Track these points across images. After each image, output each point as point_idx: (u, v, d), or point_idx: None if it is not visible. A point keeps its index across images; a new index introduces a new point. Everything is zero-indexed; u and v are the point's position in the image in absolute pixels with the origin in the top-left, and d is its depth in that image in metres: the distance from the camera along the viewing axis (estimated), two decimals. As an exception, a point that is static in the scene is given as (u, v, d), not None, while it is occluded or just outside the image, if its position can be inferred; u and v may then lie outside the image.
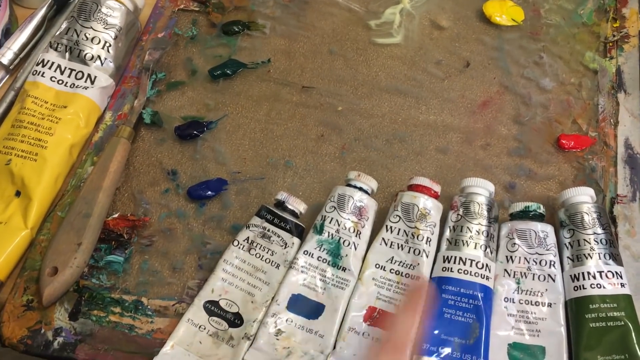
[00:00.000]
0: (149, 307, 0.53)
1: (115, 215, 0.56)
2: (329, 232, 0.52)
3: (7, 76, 0.64)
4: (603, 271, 0.49)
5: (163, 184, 0.59)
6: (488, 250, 0.51)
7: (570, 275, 0.50)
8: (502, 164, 0.60)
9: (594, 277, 0.49)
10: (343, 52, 0.66)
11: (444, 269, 0.51)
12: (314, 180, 0.59)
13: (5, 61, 0.63)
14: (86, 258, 0.53)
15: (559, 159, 0.59)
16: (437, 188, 0.54)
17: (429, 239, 0.52)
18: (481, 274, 0.50)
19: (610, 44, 0.65)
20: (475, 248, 0.51)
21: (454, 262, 0.51)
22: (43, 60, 0.60)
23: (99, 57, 0.61)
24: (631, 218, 0.56)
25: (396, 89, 0.64)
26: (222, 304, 0.51)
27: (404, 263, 0.52)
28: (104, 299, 0.53)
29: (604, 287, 0.49)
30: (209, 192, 0.58)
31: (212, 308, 0.51)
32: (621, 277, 0.49)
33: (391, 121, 0.62)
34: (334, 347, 0.49)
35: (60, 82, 0.60)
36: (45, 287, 0.50)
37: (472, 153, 0.60)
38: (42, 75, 0.59)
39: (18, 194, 0.55)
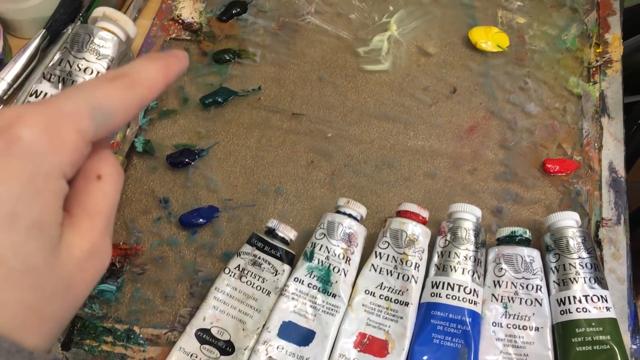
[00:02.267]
0: (141, 335, 0.53)
1: (108, 244, 0.57)
2: (319, 259, 0.53)
3: (1, 107, 0.65)
4: (588, 295, 0.50)
5: (155, 212, 0.59)
6: (475, 275, 0.52)
7: (557, 300, 0.51)
8: (489, 189, 0.61)
9: (580, 302, 0.50)
10: (332, 79, 0.68)
11: (433, 295, 0.51)
12: (304, 207, 0.60)
13: (-1, 92, 0.64)
14: (79, 288, 0.53)
15: (544, 183, 0.60)
16: (425, 214, 0.55)
17: (417, 265, 0.52)
18: (469, 299, 0.51)
19: (594, 69, 0.67)
20: (463, 273, 0.52)
21: (442, 288, 0.51)
22: (36, 91, 0.61)
23: (91, 87, 0.61)
24: (616, 241, 0.57)
25: (385, 114, 0.65)
26: (214, 331, 0.52)
27: (393, 289, 0.52)
28: (96, 328, 0.53)
29: (589, 311, 0.49)
30: (201, 220, 0.59)
31: (204, 336, 0.51)
32: (606, 300, 0.50)
33: (380, 147, 0.63)
34: (325, 374, 0.50)
35: (53, 112, 0.60)
36: (38, 317, 0.51)
37: (459, 178, 0.61)
38: (35, 106, 0.60)
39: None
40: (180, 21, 0.71)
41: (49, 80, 0.62)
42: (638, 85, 1.01)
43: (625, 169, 0.61)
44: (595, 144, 0.62)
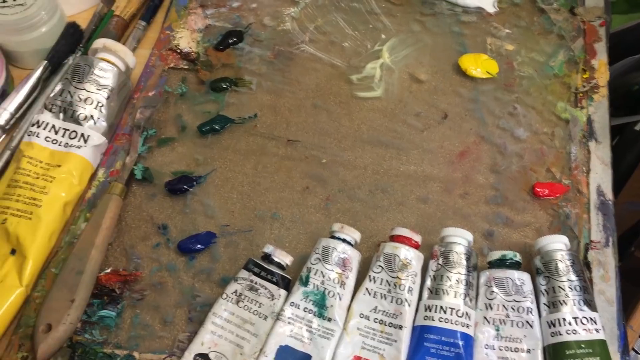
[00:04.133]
0: (140, 361, 0.54)
1: (108, 271, 0.58)
2: (314, 284, 0.54)
3: (4, 136, 0.67)
4: (578, 317, 0.51)
5: (154, 239, 0.61)
6: (467, 298, 0.53)
7: (547, 322, 0.52)
8: (481, 212, 0.62)
9: (570, 324, 0.51)
10: (326, 106, 0.69)
11: (426, 318, 0.53)
12: (300, 232, 0.61)
13: (1, 121, 0.66)
14: (79, 314, 0.54)
15: (534, 206, 0.62)
16: (417, 238, 0.56)
17: (410, 289, 0.54)
18: (461, 322, 0.52)
19: (581, 95, 0.68)
20: (455, 297, 0.53)
21: (435, 311, 0.52)
22: (38, 121, 0.63)
23: (92, 116, 0.63)
24: (605, 263, 0.58)
25: (378, 140, 0.67)
26: (212, 356, 0.53)
27: (387, 312, 0.53)
28: (96, 354, 0.54)
29: (579, 333, 0.51)
30: (199, 246, 0.60)
31: (202, 361, 0.52)
32: (595, 322, 0.51)
33: (373, 172, 0.65)
34: (321, 398, 0.51)
35: (54, 142, 0.62)
36: (39, 344, 0.52)
37: (451, 202, 0.63)
38: (37, 136, 0.62)
39: (13, 252, 0.57)
40: (178, 51, 0.73)
41: (50, 111, 0.63)
42: (628, 107, 1.04)
43: (613, 191, 0.62)
44: (584, 168, 0.64)
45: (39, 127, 0.62)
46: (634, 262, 0.71)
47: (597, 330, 0.51)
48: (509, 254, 0.55)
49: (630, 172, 0.83)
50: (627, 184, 0.80)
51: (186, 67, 0.72)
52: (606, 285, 0.57)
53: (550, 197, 0.62)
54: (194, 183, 0.64)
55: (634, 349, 0.75)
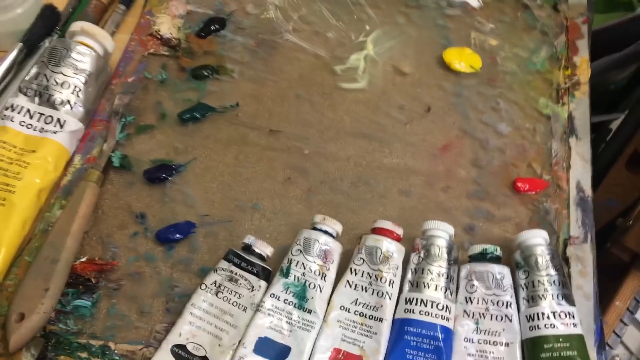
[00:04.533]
0: (116, 351, 0.53)
1: (83, 259, 0.57)
2: (295, 275, 0.54)
3: (-24, 119, 0.65)
4: (556, 312, 0.52)
5: (132, 228, 0.60)
6: (448, 292, 0.53)
7: (526, 316, 0.52)
8: (462, 206, 0.62)
9: (548, 318, 0.51)
10: (309, 96, 0.69)
11: (406, 311, 0.53)
12: (281, 223, 0.61)
13: (-26, 104, 0.64)
14: (53, 303, 0.53)
15: (515, 201, 0.62)
16: (399, 231, 0.56)
17: (391, 281, 0.53)
18: (442, 315, 0.52)
19: (563, 91, 0.69)
20: (435, 290, 0.53)
21: (416, 304, 0.52)
22: (12, 105, 0.61)
23: (68, 101, 0.62)
24: (583, 259, 0.58)
25: (361, 132, 0.67)
26: (190, 347, 0.52)
27: (367, 305, 0.53)
28: (70, 344, 0.53)
29: (557, 327, 0.51)
30: (178, 235, 0.59)
31: (180, 352, 0.51)
32: (573, 317, 0.52)
33: (356, 164, 0.65)
34: (300, 390, 0.50)
35: (29, 126, 0.60)
36: (12, 333, 0.50)
37: (433, 195, 0.63)
38: (11, 120, 0.60)
39: (-15, 239, 0.55)
40: (158, 37, 0.71)
41: (25, 94, 0.61)
42: (607, 105, 1.05)
43: (592, 188, 0.63)
44: (564, 164, 0.64)
45: (13, 110, 0.61)
46: (610, 258, 0.72)
47: (574, 325, 0.51)
48: (490, 248, 0.55)
49: (605, 170, 0.84)
50: (604, 181, 0.81)
51: (167, 53, 0.71)
52: (584, 281, 0.57)
53: (530, 192, 0.62)
54: (174, 172, 0.63)
55: (607, 343, 0.76)
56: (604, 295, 0.68)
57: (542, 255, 0.54)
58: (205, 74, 0.69)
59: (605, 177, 0.82)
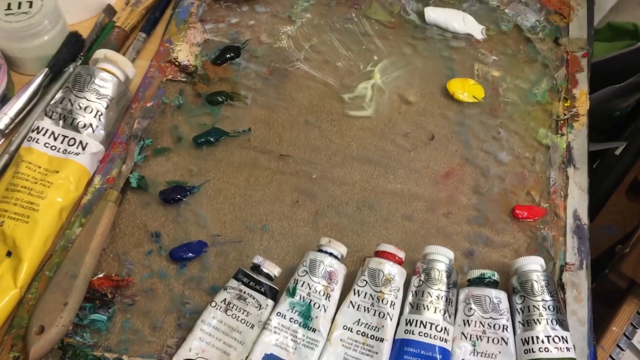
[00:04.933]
0: (129, 364, 0.56)
1: (100, 275, 0.60)
2: (300, 295, 0.56)
3: (3, 140, 0.68)
4: (550, 336, 0.54)
5: (147, 246, 0.63)
6: (447, 314, 0.55)
7: (522, 339, 0.55)
8: (462, 232, 0.65)
9: (542, 342, 0.54)
10: (318, 122, 0.72)
11: (406, 332, 0.55)
12: (288, 244, 0.64)
13: (1, 126, 0.67)
14: (72, 317, 0.56)
15: (513, 228, 0.65)
16: (401, 255, 0.58)
17: (393, 303, 0.56)
18: (440, 337, 0.54)
19: (562, 122, 0.72)
20: (435, 312, 0.55)
21: (416, 325, 0.55)
22: (38, 127, 0.64)
23: (90, 125, 0.65)
24: (578, 285, 0.61)
25: (367, 158, 0.69)
26: (199, 362, 0.54)
27: (369, 325, 0.56)
28: (86, 356, 0.56)
29: (550, 351, 0.53)
30: (190, 254, 0.62)
31: (190, 366, 0.54)
32: (567, 341, 0.54)
33: (361, 189, 0.67)
34: (303, 406, 0.53)
35: (53, 148, 0.64)
36: (32, 345, 0.53)
37: (435, 220, 0.65)
38: (36, 142, 0.63)
39: (9, 254, 0.59)
40: (176, 63, 0.75)
41: (50, 117, 0.65)
42: (609, 132, 1.07)
43: (588, 216, 0.65)
44: (562, 193, 0.66)
45: (38, 133, 0.64)
46: (608, 284, 0.74)
47: (568, 349, 0.54)
48: (488, 272, 0.57)
49: (607, 196, 0.86)
50: (604, 208, 0.83)
51: (184, 79, 0.74)
52: (578, 306, 0.60)
53: (529, 219, 0.65)
54: (188, 193, 0.66)
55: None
56: (601, 321, 0.70)
57: (538, 281, 0.56)
58: (220, 99, 0.73)
59: (606, 204, 0.84)
